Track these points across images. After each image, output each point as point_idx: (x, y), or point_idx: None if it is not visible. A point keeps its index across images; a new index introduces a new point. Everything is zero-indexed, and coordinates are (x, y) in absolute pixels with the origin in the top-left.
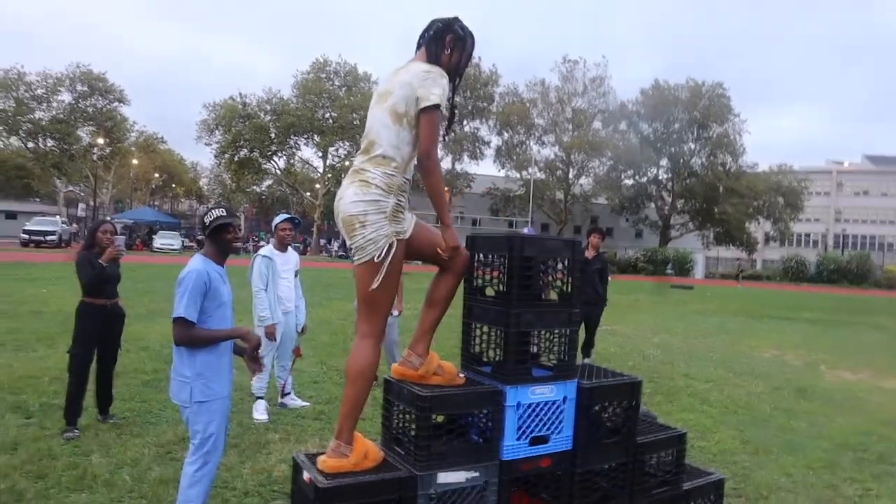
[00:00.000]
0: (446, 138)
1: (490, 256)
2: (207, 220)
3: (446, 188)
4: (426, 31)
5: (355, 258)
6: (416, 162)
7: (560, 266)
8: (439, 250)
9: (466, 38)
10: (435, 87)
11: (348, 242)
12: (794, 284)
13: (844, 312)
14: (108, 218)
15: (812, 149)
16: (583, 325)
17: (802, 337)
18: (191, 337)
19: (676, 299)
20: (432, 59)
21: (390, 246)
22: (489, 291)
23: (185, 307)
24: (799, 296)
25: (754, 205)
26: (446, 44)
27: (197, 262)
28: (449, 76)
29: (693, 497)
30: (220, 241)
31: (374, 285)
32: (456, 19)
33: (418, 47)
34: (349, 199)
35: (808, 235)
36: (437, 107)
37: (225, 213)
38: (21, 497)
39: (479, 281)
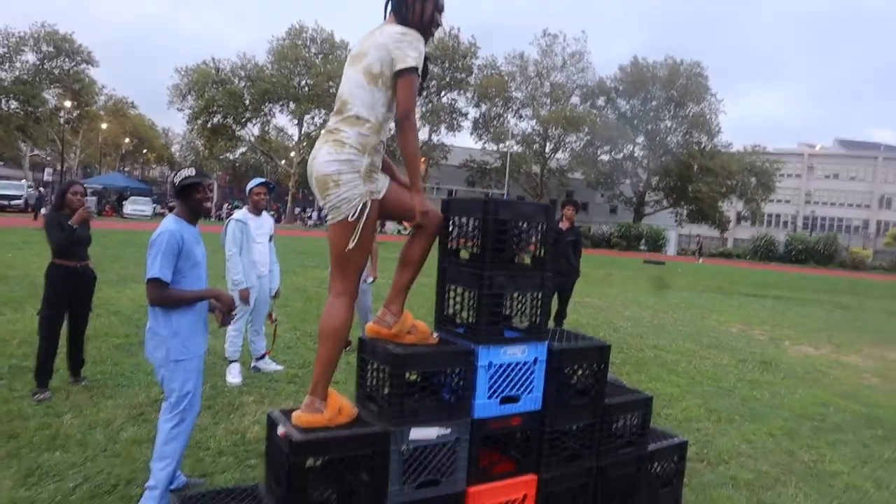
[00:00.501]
0: (421, 95)
1: (464, 220)
2: (177, 179)
3: (423, 158)
4: None
5: (329, 217)
6: (391, 124)
7: (533, 231)
8: (405, 223)
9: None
10: (411, 49)
11: (321, 202)
12: (763, 263)
13: (810, 291)
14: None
15: (785, 130)
16: (556, 296)
17: (769, 313)
18: (165, 297)
19: (648, 274)
20: (402, 20)
21: (364, 205)
22: (463, 254)
23: (159, 267)
24: (767, 274)
25: (727, 184)
26: (413, 9)
27: (169, 223)
28: (423, 31)
29: (657, 458)
30: (191, 200)
31: (351, 245)
32: None
33: (387, 9)
34: (323, 158)
35: (778, 216)
36: (414, 69)
37: (194, 173)
38: None
39: (454, 244)
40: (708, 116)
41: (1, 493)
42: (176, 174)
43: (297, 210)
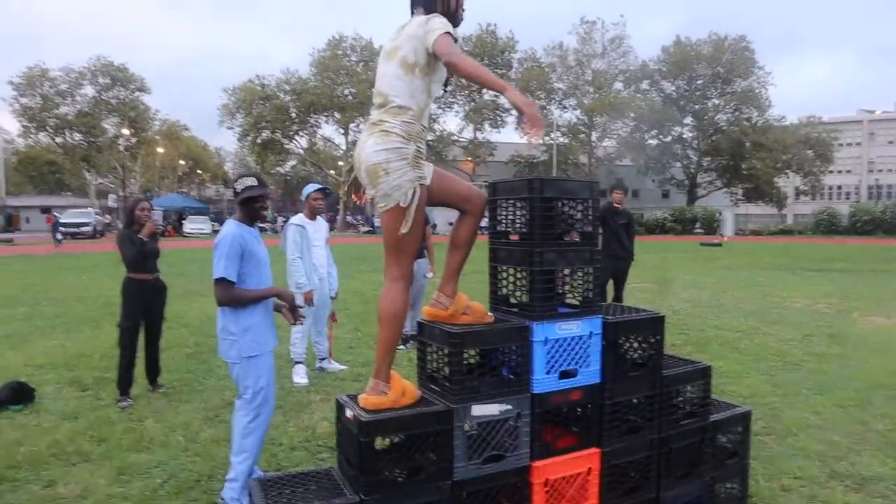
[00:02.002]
0: (446, 90)
1: (511, 201)
2: (239, 187)
3: (468, 158)
4: None
5: (380, 206)
6: (429, 110)
7: (580, 207)
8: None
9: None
10: (435, 23)
11: (371, 191)
12: (827, 237)
13: (879, 261)
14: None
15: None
16: (611, 281)
17: (835, 286)
18: (232, 296)
19: (706, 256)
20: (428, 11)
21: (414, 191)
22: (513, 238)
23: (225, 268)
24: (831, 248)
25: (783, 159)
26: (440, 1)
27: (230, 227)
28: (450, 19)
29: (720, 428)
30: (250, 209)
31: (403, 230)
32: None
33: (414, 6)
34: (371, 148)
35: (839, 187)
36: (443, 34)
37: (255, 184)
38: (88, 457)
39: (503, 225)
40: (757, 91)
41: (97, 490)
42: (238, 180)
43: (349, 218)
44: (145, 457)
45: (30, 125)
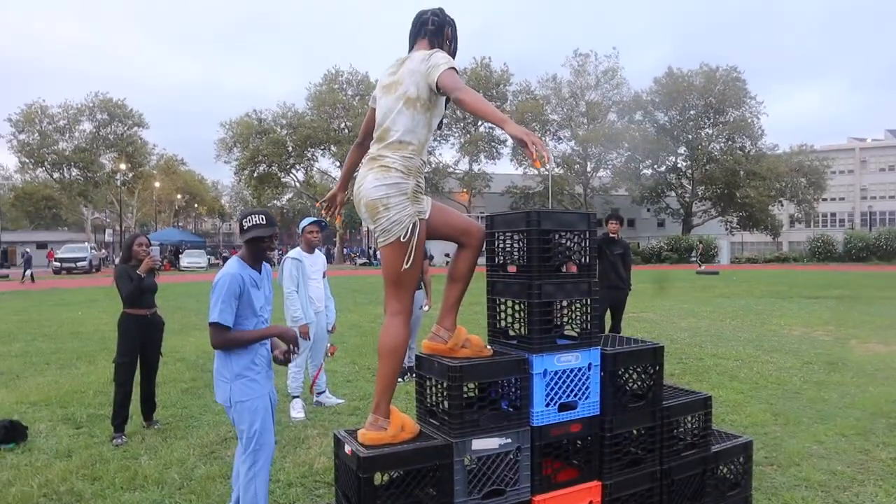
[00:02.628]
0: (442, 125)
1: (509, 234)
2: (245, 224)
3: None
4: (422, 24)
5: (381, 240)
6: (428, 144)
7: (577, 239)
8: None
9: (455, 26)
10: (438, 59)
11: (371, 226)
12: (822, 264)
13: (874, 288)
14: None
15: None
16: (608, 312)
17: (832, 314)
18: (226, 340)
19: (703, 285)
20: (431, 45)
21: (413, 225)
22: (511, 269)
23: (220, 312)
24: (827, 275)
25: (776, 187)
26: (447, 36)
27: (232, 266)
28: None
29: (722, 459)
30: (256, 248)
31: (406, 265)
32: (443, 10)
33: (414, 39)
34: (370, 184)
35: (833, 215)
36: (447, 69)
37: (263, 222)
38: (80, 497)
39: (500, 259)
40: (749, 120)
41: None
42: (245, 217)
43: (346, 251)
44: (139, 495)
45: (27, 161)
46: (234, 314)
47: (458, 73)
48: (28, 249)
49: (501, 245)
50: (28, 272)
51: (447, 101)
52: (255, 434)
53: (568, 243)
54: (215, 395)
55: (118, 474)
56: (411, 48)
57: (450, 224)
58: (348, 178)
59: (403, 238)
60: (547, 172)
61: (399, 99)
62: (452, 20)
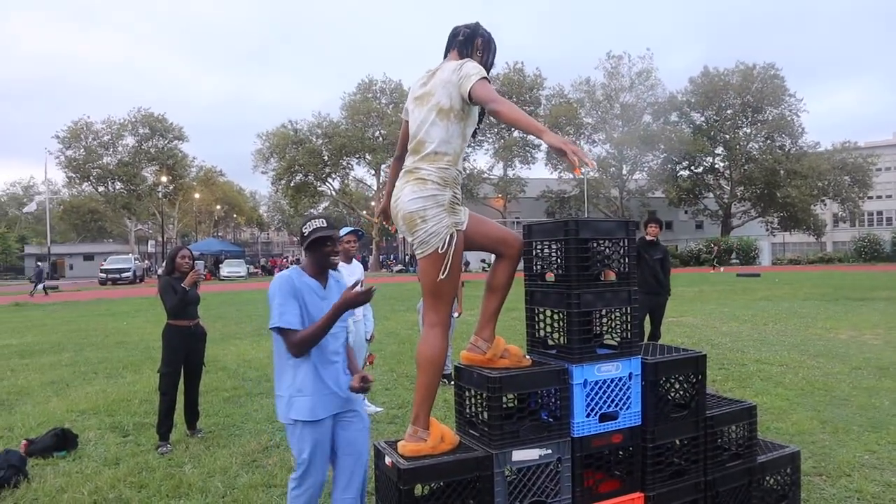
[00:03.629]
0: (477, 134)
1: (546, 243)
2: (305, 230)
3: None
4: (454, 36)
5: (418, 252)
6: (463, 154)
7: (616, 247)
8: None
9: (490, 39)
10: (469, 69)
11: (410, 238)
12: (869, 265)
13: None
14: (185, 244)
15: (877, 122)
16: (648, 317)
17: (881, 316)
18: (298, 342)
19: (744, 287)
20: (461, 56)
21: (451, 236)
22: (549, 277)
23: (280, 314)
24: (874, 275)
25: (819, 186)
26: (477, 46)
27: (286, 271)
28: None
29: (768, 470)
30: (318, 254)
31: (442, 276)
32: (479, 24)
33: (447, 52)
34: (407, 197)
35: (880, 213)
36: (480, 80)
37: (324, 225)
38: None
39: (538, 268)
40: (789, 118)
41: None
42: (305, 224)
43: (382, 258)
44: (184, 503)
45: (74, 176)
46: (300, 316)
47: (489, 82)
48: (40, 263)
49: (539, 254)
50: (40, 286)
51: (481, 110)
52: (303, 462)
53: (606, 251)
54: (277, 413)
55: (164, 482)
56: (445, 58)
57: (487, 235)
58: (392, 190)
59: (441, 250)
60: (587, 177)
61: (432, 110)
62: (487, 33)
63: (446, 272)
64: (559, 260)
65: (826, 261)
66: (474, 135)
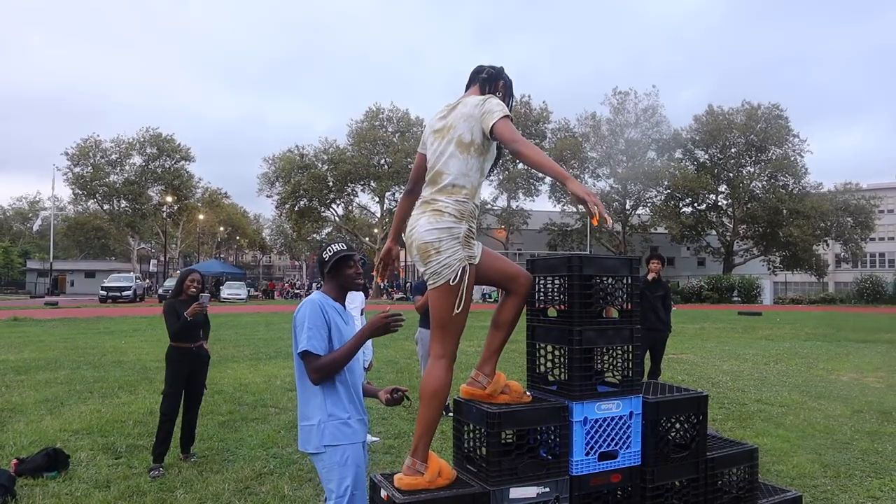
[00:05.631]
0: (494, 169)
1: (549, 279)
2: (326, 255)
3: (501, 226)
4: (477, 73)
5: (430, 283)
6: (481, 189)
7: (619, 284)
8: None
9: (511, 85)
10: (493, 105)
11: (422, 269)
12: (872, 306)
13: None
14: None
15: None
16: (648, 354)
17: (883, 359)
18: (322, 366)
19: (745, 326)
20: (483, 91)
21: (464, 269)
22: (551, 312)
23: (308, 339)
24: (876, 317)
25: (821, 226)
26: (498, 87)
27: (312, 296)
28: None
29: None
30: (340, 276)
31: (455, 309)
32: (503, 69)
33: (469, 86)
34: (423, 227)
35: (882, 255)
36: (502, 118)
37: (346, 248)
38: None
39: (541, 304)
40: (792, 158)
41: None
42: (324, 249)
43: (383, 285)
44: None
45: (80, 193)
46: (327, 342)
47: (512, 121)
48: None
49: (542, 289)
50: None
51: (499, 146)
52: (345, 492)
53: (610, 288)
54: (299, 444)
55: None
56: (466, 91)
57: (499, 270)
58: (400, 229)
59: (453, 282)
60: (605, 229)
61: (451, 142)
62: (510, 79)
63: (458, 305)
64: (561, 296)
65: (828, 301)
66: (492, 169)
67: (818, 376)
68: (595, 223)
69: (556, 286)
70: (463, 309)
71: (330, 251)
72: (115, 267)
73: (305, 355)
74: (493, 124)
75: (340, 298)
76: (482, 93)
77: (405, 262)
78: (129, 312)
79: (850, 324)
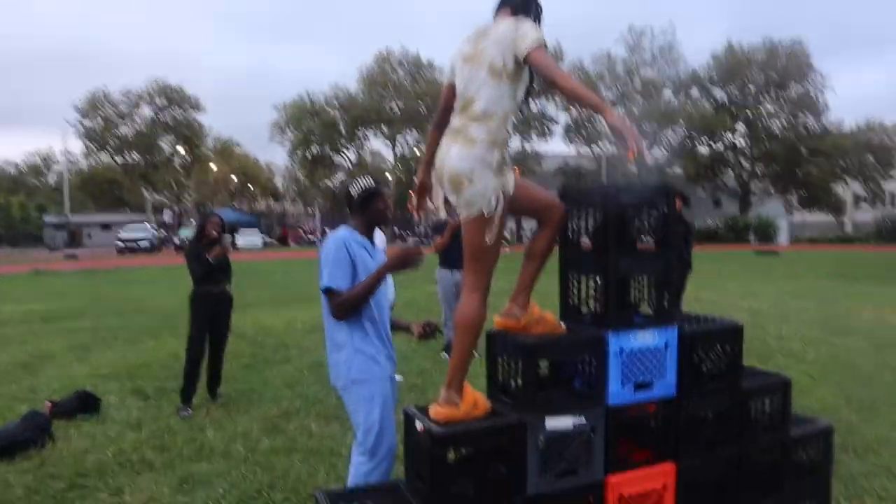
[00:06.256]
0: (530, 95)
1: (583, 207)
2: (353, 191)
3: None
4: None
5: (463, 213)
6: (513, 116)
7: (654, 213)
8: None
9: (542, 10)
10: (528, 30)
11: (455, 199)
12: (890, 245)
13: None
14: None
15: None
16: None
17: None
18: (344, 302)
19: (763, 265)
20: (515, 13)
21: (498, 199)
22: (584, 243)
23: (329, 275)
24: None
25: (841, 165)
26: (531, 9)
27: (338, 232)
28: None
29: (801, 444)
30: (370, 212)
31: (487, 239)
32: None
33: (499, 9)
34: (455, 157)
35: None
36: (537, 45)
37: (374, 183)
38: (151, 466)
39: (574, 234)
40: (813, 96)
41: (162, 498)
42: (350, 185)
43: (397, 230)
44: (206, 466)
45: (92, 146)
46: (350, 280)
47: (547, 49)
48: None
49: (575, 220)
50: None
51: (530, 83)
52: (372, 426)
53: (645, 218)
54: (330, 378)
55: (186, 445)
56: (496, 16)
57: (532, 199)
58: (431, 162)
59: (487, 212)
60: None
61: (482, 69)
62: (540, 5)
63: (491, 235)
64: (596, 226)
65: (846, 241)
66: (526, 97)
67: (838, 313)
68: (631, 158)
69: (591, 214)
70: (495, 239)
71: (356, 188)
72: (130, 219)
73: (328, 291)
74: (528, 50)
75: (368, 234)
76: (512, 11)
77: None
78: (148, 262)
79: (870, 263)
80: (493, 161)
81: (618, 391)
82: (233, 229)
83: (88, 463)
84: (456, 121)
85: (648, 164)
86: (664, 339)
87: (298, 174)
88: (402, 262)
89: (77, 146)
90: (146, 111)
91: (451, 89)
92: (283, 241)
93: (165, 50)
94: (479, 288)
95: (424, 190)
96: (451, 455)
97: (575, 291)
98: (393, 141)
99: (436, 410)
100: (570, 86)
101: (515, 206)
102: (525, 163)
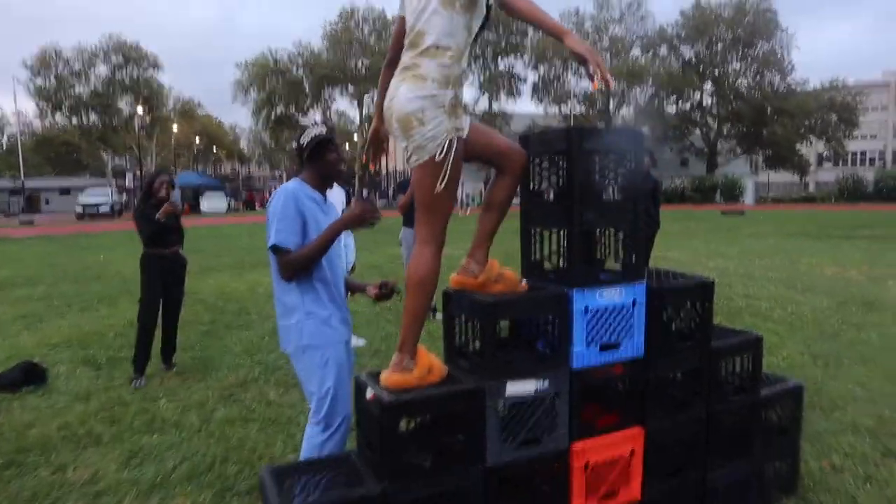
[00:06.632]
0: (484, 29)
1: (546, 155)
2: (304, 140)
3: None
4: None
5: (412, 159)
6: (468, 51)
7: (623, 160)
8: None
9: None
10: None
11: (404, 143)
12: (851, 204)
13: None
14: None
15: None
16: None
17: (864, 254)
18: (292, 262)
19: (729, 225)
20: None
21: (451, 142)
22: (546, 193)
23: (277, 232)
24: (857, 214)
25: (806, 124)
26: None
27: (287, 185)
28: None
29: (771, 404)
30: (320, 163)
31: (438, 186)
32: None
33: None
34: (403, 96)
35: (864, 153)
36: None
37: (325, 130)
38: (99, 440)
39: (536, 183)
40: (779, 54)
41: (107, 475)
42: (302, 134)
43: (365, 192)
44: (158, 438)
45: (45, 106)
46: (300, 236)
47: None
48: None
49: (538, 168)
50: None
51: (488, 2)
52: (327, 394)
53: (612, 166)
54: (280, 344)
55: (137, 417)
56: None
57: (490, 145)
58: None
59: (438, 157)
60: (603, 93)
61: None
62: None
63: (443, 182)
64: (560, 174)
65: (809, 200)
66: (482, 29)
67: (803, 271)
68: (595, 87)
69: (555, 162)
70: (449, 186)
71: (307, 136)
72: (90, 183)
73: (275, 249)
74: None
75: (321, 187)
76: None
77: (386, 167)
78: (109, 228)
79: (832, 221)
80: (446, 100)
81: (583, 352)
82: (197, 193)
83: (31, 438)
84: (406, 57)
85: (612, 88)
86: (632, 296)
87: (263, 136)
88: (357, 219)
89: (30, 107)
90: (102, 70)
91: (403, 23)
92: (249, 204)
93: (120, 4)
94: (431, 240)
95: (377, 138)
96: (404, 424)
97: (537, 246)
98: (360, 101)
99: (387, 376)
100: (528, 7)
101: (471, 152)
102: (492, 122)
